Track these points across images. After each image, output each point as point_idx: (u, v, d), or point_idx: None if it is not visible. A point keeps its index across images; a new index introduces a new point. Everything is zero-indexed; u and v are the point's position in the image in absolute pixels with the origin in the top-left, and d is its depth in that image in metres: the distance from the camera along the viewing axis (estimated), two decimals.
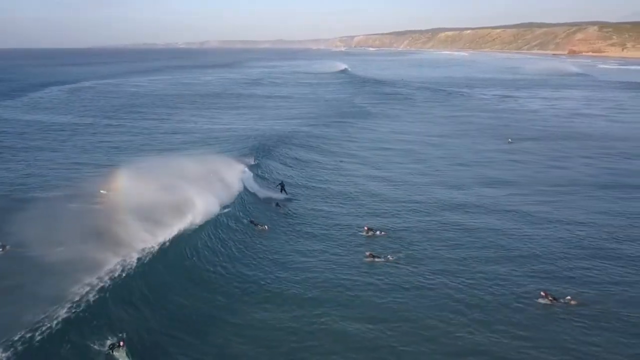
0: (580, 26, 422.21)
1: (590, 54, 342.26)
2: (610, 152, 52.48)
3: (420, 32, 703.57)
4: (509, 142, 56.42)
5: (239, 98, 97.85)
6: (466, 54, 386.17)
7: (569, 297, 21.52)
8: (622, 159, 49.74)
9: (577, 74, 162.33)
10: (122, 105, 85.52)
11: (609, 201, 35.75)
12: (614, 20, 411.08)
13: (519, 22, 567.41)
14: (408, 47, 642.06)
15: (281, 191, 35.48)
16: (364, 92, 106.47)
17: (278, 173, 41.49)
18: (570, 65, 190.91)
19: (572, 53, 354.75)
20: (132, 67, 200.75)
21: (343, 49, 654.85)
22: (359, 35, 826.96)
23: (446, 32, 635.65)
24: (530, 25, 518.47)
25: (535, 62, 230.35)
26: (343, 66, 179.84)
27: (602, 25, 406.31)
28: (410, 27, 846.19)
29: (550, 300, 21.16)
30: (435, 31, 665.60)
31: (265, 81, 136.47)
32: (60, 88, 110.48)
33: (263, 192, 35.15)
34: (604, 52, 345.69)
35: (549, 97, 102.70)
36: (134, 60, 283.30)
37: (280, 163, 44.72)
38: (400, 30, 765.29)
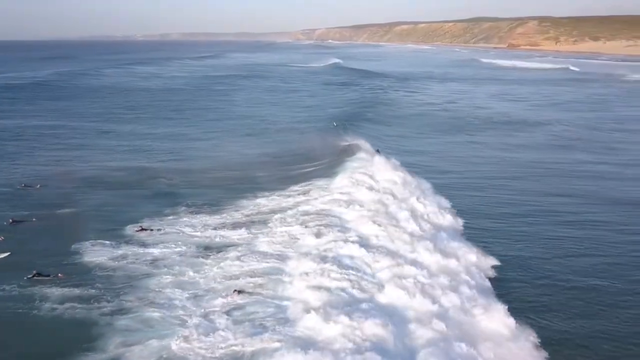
0: (522, 20, 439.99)
1: (527, 47, 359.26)
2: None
3: (379, 25, 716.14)
4: (334, 126, 66.00)
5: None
6: (435, 48, 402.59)
7: None
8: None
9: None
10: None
11: None
12: (565, 15, 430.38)
13: (473, 16, 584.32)
14: (366, 41, 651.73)
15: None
16: None
17: None
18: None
19: (512, 47, 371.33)
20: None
21: (309, 41, 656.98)
22: (320, 29, 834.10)
23: (402, 26, 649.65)
24: (479, 20, 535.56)
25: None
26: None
27: (541, 19, 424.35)
28: (368, 20, 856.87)
29: None
30: (391, 25, 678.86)
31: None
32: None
33: None
34: (540, 45, 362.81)
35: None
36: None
37: None
38: (359, 23, 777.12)
